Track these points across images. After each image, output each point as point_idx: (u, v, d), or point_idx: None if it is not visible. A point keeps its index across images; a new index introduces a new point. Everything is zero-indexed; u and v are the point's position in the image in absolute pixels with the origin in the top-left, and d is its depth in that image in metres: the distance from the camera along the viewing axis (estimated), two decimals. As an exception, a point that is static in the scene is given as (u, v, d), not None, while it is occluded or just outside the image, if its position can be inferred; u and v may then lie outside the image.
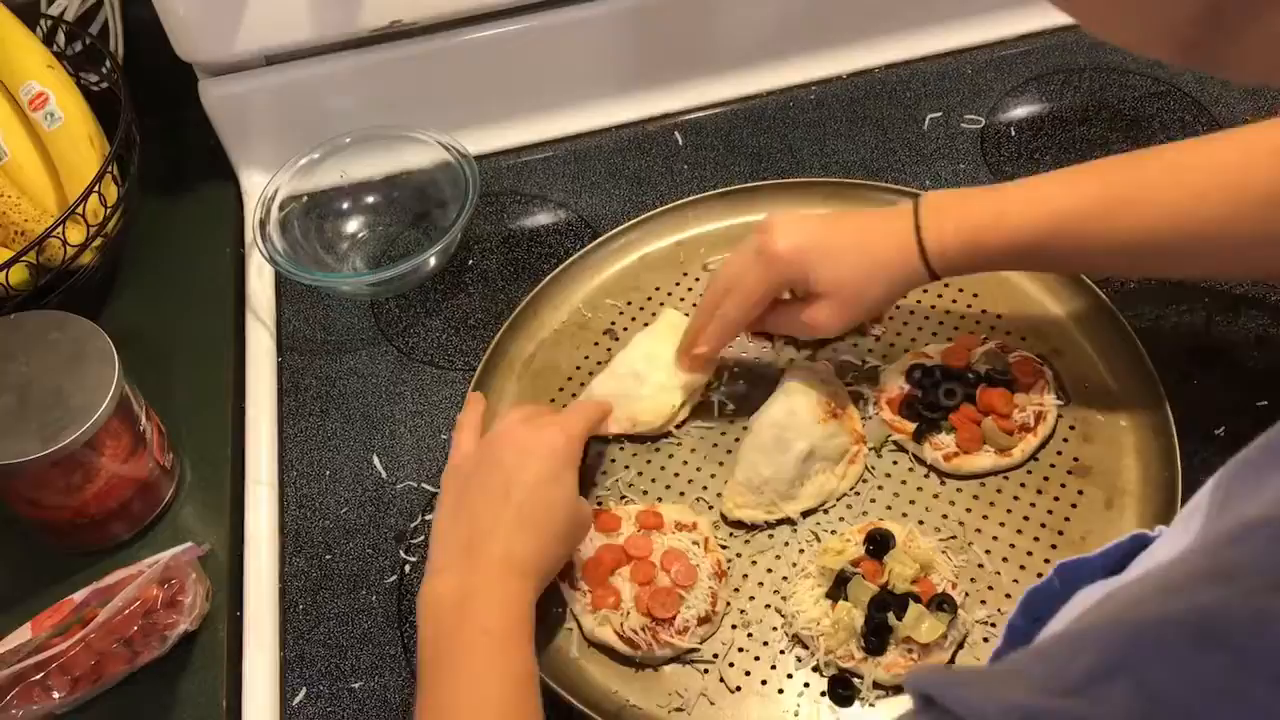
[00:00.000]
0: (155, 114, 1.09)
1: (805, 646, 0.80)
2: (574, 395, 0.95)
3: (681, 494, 0.89)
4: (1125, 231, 0.78)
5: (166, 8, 1.02)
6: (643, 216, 1.05)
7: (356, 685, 0.83)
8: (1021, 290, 0.96)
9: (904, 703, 0.76)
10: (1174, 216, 0.77)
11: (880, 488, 0.88)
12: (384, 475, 0.94)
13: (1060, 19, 1.18)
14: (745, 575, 0.84)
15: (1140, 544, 0.54)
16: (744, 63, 1.17)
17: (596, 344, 0.99)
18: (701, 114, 1.16)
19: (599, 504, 0.88)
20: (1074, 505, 0.85)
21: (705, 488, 0.89)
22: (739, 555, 0.85)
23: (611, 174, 1.12)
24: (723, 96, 1.17)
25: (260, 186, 1.07)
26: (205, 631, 0.86)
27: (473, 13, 1.08)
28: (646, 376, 0.92)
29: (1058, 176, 0.82)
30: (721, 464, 0.90)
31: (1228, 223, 0.76)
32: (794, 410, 0.86)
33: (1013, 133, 1.11)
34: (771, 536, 0.86)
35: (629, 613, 0.80)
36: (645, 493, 0.89)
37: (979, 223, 0.81)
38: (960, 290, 0.98)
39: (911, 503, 0.86)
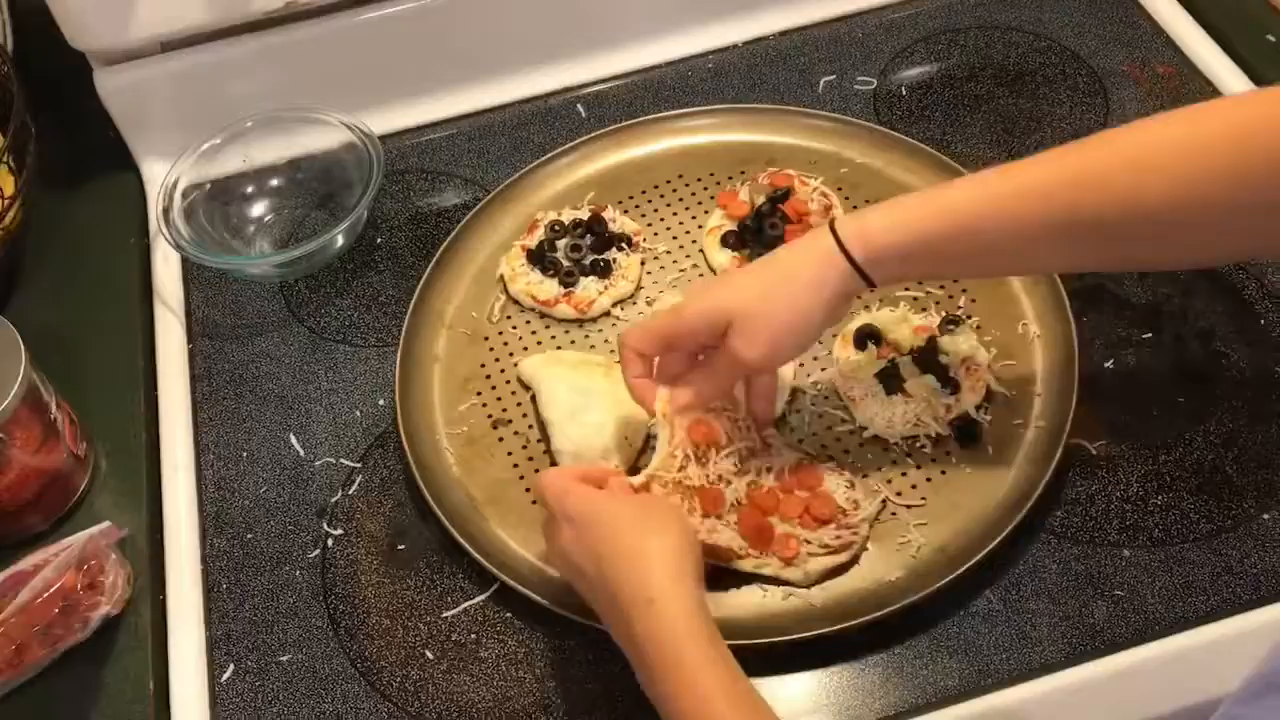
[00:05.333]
0: (52, 107, 1.08)
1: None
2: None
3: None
4: (1073, 210, 0.71)
5: (56, -4, 1.01)
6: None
7: (284, 659, 0.84)
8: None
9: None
10: (1125, 195, 0.70)
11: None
12: (301, 453, 0.94)
13: (944, -20, 1.22)
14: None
15: None
16: (643, 35, 1.19)
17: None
18: (603, 86, 1.18)
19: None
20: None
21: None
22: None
23: (516, 148, 1.13)
24: (623, 68, 1.19)
25: (162, 175, 1.07)
26: (129, 616, 0.85)
27: (369, -8, 1.09)
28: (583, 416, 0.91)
29: (1000, 167, 0.75)
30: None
31: (1181, 198, 0.69)
32: None
33: (904, 92, 1.14)
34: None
35: None
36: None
37: (907, 210, 0.75)
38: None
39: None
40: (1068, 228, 0.72)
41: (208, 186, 1.08)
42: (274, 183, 1.11)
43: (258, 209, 1.10)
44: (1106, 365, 0.92)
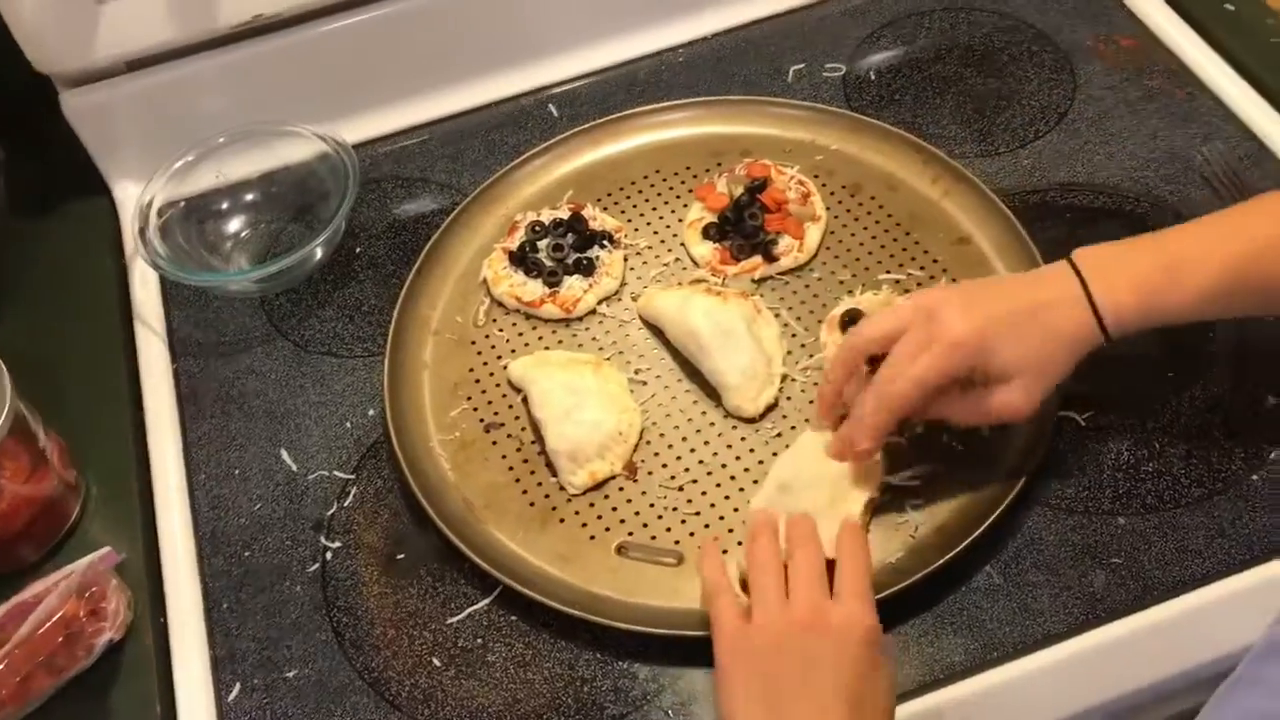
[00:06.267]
0: (20, 131, 1.07)
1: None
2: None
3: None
4: None
5: (16, 19, 1.00)
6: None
7: (290, 674, 0.84)
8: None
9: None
10: None
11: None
12: (294, 468, 0.94)
13: (907, -36, 1.23)
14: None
15: None
16: (611, 31, 1.19)
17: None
18: (574, 85, 1.18)
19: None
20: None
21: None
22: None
23: (490, 151, 1.13)
24: (593, 66, 1.19)
25: (135, 195, 1.06)
26: (130, 641, 0.85)
27: (336, 1, 1.08)
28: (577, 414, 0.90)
29: (1220, 219, 0.79)
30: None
31: None
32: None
33: (873, 77, 1.15)
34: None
35: None
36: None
37: (1154, 282, 0.77)
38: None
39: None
40: None
41: (182, 204, 1.07)
42: (249, 197, 1.10)
43: (234, 225, 1.09)
44: (1089, 338, 0.93)
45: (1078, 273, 0.78)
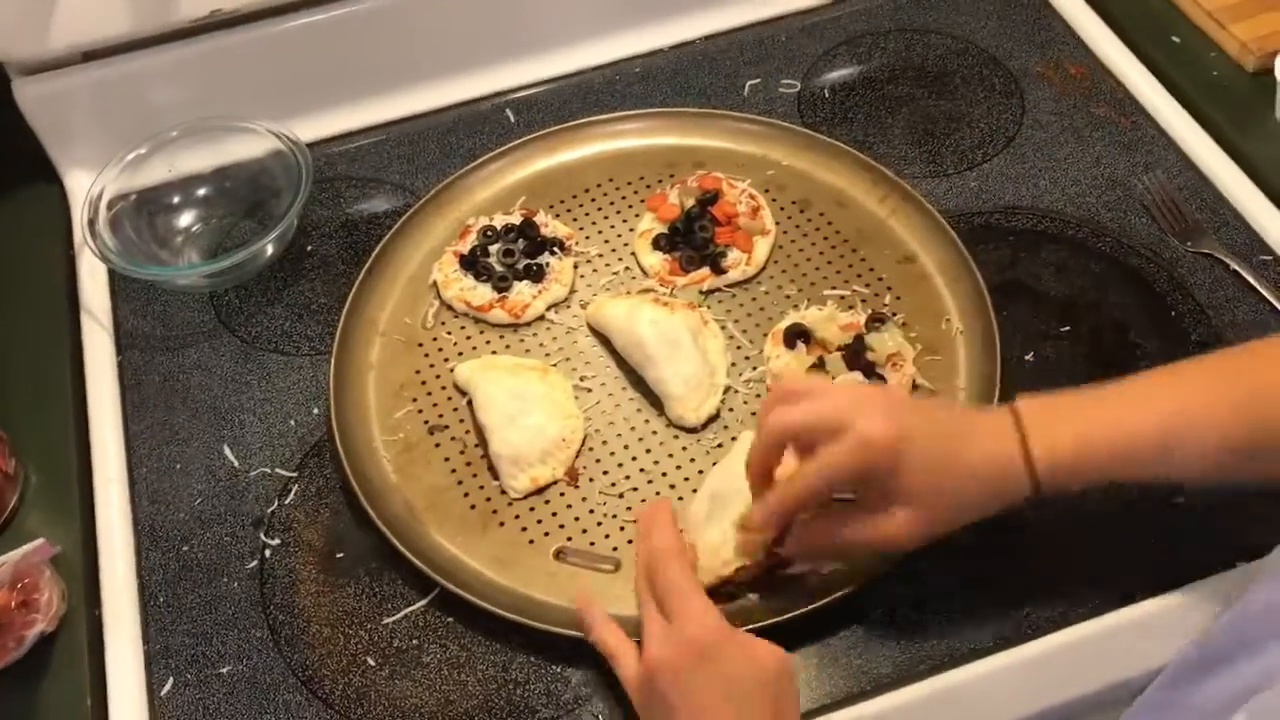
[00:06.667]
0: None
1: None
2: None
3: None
4: (1266, 423, 0.72)
5: (-30, 6, 0.99)
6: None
7: (225, 670, 0.84)
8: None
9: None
10: None
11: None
12: (236, 464, 0.94)
13: (864, -15, 1.24)
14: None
15: None
16: (570, 39, 1.20)
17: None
18: (532, 91, 1.19)
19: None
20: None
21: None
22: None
23: (446, 154, 1.14)
24: (552, 73, 1.20)
25: (86, 186, 1.05)
26: (63, 632, 0.84)
27: (295, -1, 1.09)
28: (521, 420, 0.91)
29: (1171, 371, 0.76)
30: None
31: None
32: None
33: (827, 94, 1.16)
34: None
35: None
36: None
37: (1093, 426, 0.73)
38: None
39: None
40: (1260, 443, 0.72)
41: (133, 197, 1.06)
42: (201, 192, 1.10)
43: (185, 219, 1.09)
44: (1026, 358, 0.95)
45: (1018, 422, 0.74)
